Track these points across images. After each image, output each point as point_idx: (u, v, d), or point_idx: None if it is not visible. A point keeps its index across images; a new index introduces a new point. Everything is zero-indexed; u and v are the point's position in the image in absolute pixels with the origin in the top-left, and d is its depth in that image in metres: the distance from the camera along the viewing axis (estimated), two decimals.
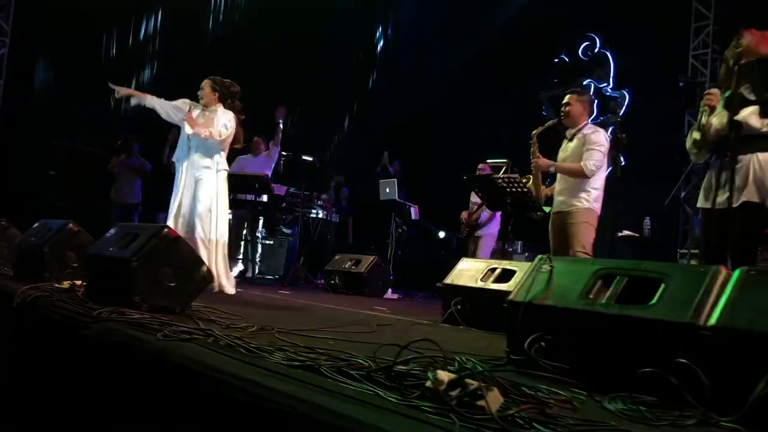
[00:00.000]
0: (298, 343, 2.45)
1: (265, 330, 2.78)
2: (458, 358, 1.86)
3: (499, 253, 6.67)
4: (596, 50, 10.92)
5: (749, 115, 3.25)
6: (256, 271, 7.64)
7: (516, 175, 4.59)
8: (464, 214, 7.36)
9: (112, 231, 3.49)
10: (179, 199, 5.16)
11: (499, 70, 10.95)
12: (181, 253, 3.20)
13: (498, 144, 9.24)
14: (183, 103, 5.34)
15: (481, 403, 1.57)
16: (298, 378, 1.87)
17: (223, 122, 5.18)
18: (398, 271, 7.60)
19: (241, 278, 7.49)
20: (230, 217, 5.31)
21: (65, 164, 8.91)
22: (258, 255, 7.85)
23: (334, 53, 10.72)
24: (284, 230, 7.93)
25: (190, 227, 5.04)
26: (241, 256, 7.67)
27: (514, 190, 4.47)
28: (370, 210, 8.61)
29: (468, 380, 1.64)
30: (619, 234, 6.59)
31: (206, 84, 5.35)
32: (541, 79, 11.20)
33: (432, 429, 1.44)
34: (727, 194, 3.27)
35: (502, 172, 4.86)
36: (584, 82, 10.90)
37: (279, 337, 2.65)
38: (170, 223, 5.03)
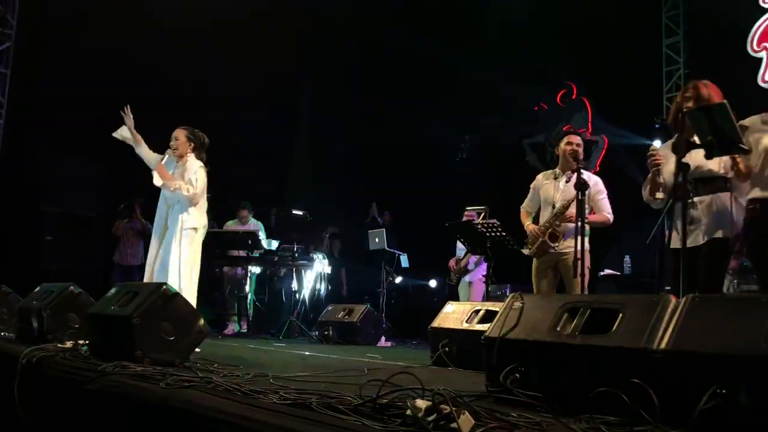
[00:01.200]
0: (290, 386, 2.62)
1: (261, 376, 2.95)
2: (436, 389, 2.04)
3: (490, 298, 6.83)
4: (573, 97, 11.34)
5: (709, 160, 3.51)
6: (249, 327, 7.77)
7: (494, 220, 4.81)
8: (452, 262, 7.56)
9: (113, 290, 3.68)
10: (153, 252, 5.07)
11: (483, 116, 11.28)
12: (179, 308, 3.39)
13: (482, 190, 9.49)
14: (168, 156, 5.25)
15: (454, 425, 1.75)
16: (291, 414, 2.05)
17: (193, 174, 5.02)
18: (391, 320, 7.75)
19: (236, 335, 7.63)
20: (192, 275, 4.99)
21: (60, 229, 9.07)
22: (252, 310, 7.99)
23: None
24: (278, 284, 8.10)
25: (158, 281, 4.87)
26: (236, 313, 7.83)
27: (492, 234, 4.70)
28: (362, 261, 8.80)
29: (443, 406, 1.83)
30: (601, 273, 6.80)
31: (181, 133, 5.18)
32: (522, 126, 11.55)
33: None
34: (694, 233, 3.51)
35: (480, 217, 5.07)
36: (563, 129, 11.28)
37: (273, 381, 2.82)
38: (146, 275, 5.02)
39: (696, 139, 3.20)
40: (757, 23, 9.28)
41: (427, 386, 2.10)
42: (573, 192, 4.63)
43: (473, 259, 7.31)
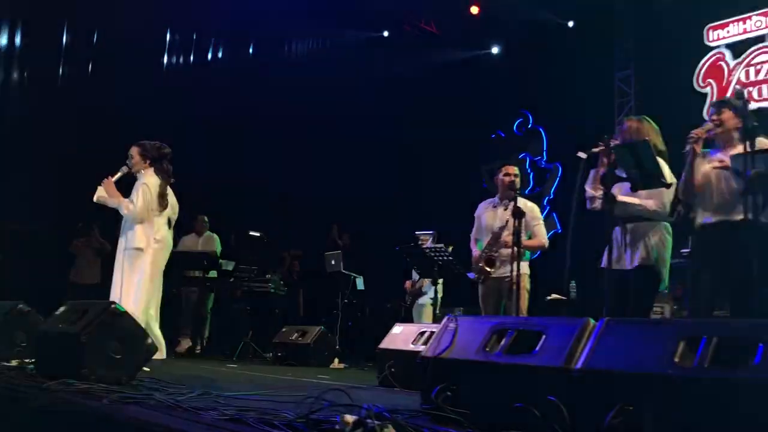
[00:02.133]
0: (232, 404, 2.70)
1: (205, 394, 3.02)
2: (365, 405, 2.16)
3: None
4: (529, 126, 11.67)
5: (645, 198, 3.73)
6: (204, 347, 7.76)
7: (441, 245, 4.97)
8: (408, 284, 7.70)
9: (62, 309, 3.71)
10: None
11: (439, 146, 11.52)
12: (127, 327, 3.44)
13: (437, 214, 9.68)
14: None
15: None
16: (228, 429, 2.14)
17: (135, 191, 4.96)
18: (347, 341, 7.82)
19: (190, 354, 7.61)
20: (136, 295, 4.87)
21: (12, 246, 8.89)
22: (207, 330, 7.99)
23: None
24: (234, 305, 8.11)
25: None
26: (189, 332, 7.82)
27: (440, 258, 4.85)
28: (320, 283, 8.86)
29: (369, 420, 1.95)
30: (548, 298, 7.01)
31: (135, 151, 5.11)
32: (479, 153, 11.79)
33: None
34: (624, 257, 3.71)
35: (429, 242, 5.23)
36: (520, 156, 11.60)
37: (217, 399, 2.89)
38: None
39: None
40: (702, 60, 9.75)
41: (360, 403, 2.21)
42: (511, 219, 4.86)
43: (427, 280, 7.45)
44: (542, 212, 10.82)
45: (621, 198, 3.65)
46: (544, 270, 6.23)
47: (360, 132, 11.40)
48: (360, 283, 8.11)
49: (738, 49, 9.48)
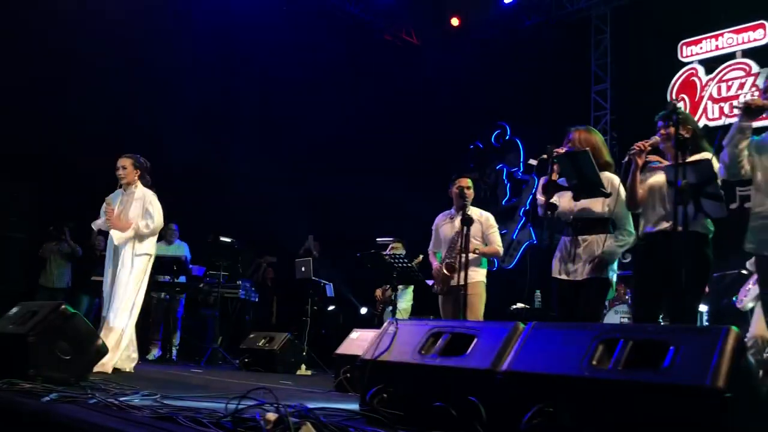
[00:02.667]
0: (173, 404, 2.72)
1: (150, 395, 3.04)
2: (292, 405, 2.19)
3: None
4: (507, 137, 11.77)
5: (593, 201, 3.79)
6: (174, 353, 7.74)
7: (402, 252, 5.02)
8: (378, 291, 7.72)
9: (14, 310, 3.72)
10: (107, 279, 5.14)
11: (419, 156, 11.59)
12: (77, 328, 3.45)
13: (414, 223, 9.71)
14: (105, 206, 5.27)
15: None
16: (156, 426, 2.16)
17: (146, 208, 5.09)
18: (317, 348, 7.83)
19: (161, 360, 7.59)
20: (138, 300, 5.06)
21: None
22: (177, 337, 7.97)
23: None
24: (204, 311, 8.11)
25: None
26: (158, 338, 7.80)
27: (399, 265, 4.90)
28: (293, 290, 8.86)
29: (290, 419, 1.98)
30: (513, 307, 7.07)
31: (128, 162, 5.20)
32: (457, 164, 11.86)
33: None
34: (575, 268, 3.77)
35: (388, 248, 5.27)
36: (497, 167, 11.70)
37: (160, 401, 2.91)
38: (104, 302, 5.10)
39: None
40: (676, 76, 9.90)
41: (289, 403, 2.24)
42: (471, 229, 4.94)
43: (399, 288, 7.49)
44: (518, 223, 11.05)
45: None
46: (512, 280, 6.32)
47: (340, 138, 11.48)
48: (330, 290, 8.14)
49: (710, 64, 9.64)
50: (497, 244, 5.09)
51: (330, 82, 11.69)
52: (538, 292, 7.26)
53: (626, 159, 3.49)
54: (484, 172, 11.79)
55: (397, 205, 11.10)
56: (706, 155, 3.22)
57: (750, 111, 3.18)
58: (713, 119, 9.46)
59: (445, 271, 4.91)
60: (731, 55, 9.46)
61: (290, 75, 11.20)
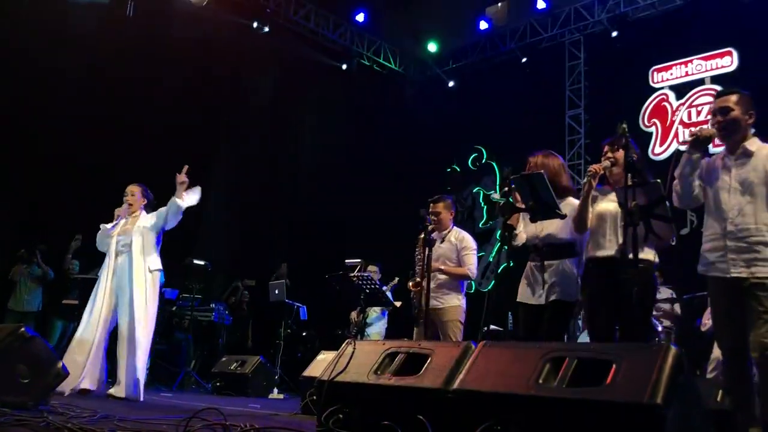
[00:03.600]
0: (124, 426, 2.70)
1: (106, 419, 3.01)
2: (240, 425, 2.19)
3: None
4: (483, 161, 11.88)
5: (558, 227, 3.83)
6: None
7: (368, 273, 5.03)
8: (354, 314, 7.70)
9: None
10: (100, 303, 5.11)
11: (398, 179, 11.66)
12: (36, 351, 3.41)
13: (392, 246, 9.73)
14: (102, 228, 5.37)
15: None
16: None
17: (150, 223, 5.24)
18: (293, 372, 7.76)
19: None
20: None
21: None
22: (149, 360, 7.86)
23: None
24: (177, 335, 8.03)
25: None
26: None
27: (366, 287, 4.90)
28: (268, 313, 8.81)
29: None
30: (485, 329, 7.05)
31: (137, 190, 5.42)
32: (435, 186, 11.92)
33: None
34: (540, 292, 3.80)
35: (356, 270, 5.28)
36: (474, 190, 11.80)
37: (117, 424, 2.88)
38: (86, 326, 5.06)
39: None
40: (648, 101, 10.09)
41: (237, 423, 2.24)
42: (444, 251, 4.95)
43: (374, 312, 7.48)
44: (495, 245, 11.11)
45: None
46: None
47: (319, 162, 11.54)
48: (303, 312, 8.11)
49: (681, 90, 9.83)
50: (469, 266, 5.06)
51: (308, 107, 11.78)
52: (510, 314, 7.29)
53: (583, 180, 3.55)
54: (461, 195, 11.87)
55: (375, 229, 11.14)
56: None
57: (699, 142, 3.27)
58: (684, 143, 9.53)
59: (409, 285, 4.96)
60: (701, 81, 9.67)
61: (266, 100, 11.28)
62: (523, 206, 3.57)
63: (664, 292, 7.52)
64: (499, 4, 11.92)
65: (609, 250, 3.53)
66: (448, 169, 12.34)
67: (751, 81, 8.96)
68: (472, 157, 12.06)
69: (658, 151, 9.82)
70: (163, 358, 8.02)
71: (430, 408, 2.31)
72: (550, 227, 3.83)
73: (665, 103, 9.99)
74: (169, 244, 8.11)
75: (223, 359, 7.07)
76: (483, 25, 11.55)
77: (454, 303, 5.06)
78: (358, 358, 2.75)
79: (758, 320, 3.05)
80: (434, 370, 2.43)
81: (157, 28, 9.40)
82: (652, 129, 10.00)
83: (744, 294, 3.14)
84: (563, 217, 3.51)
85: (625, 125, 3.18)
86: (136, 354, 4.83)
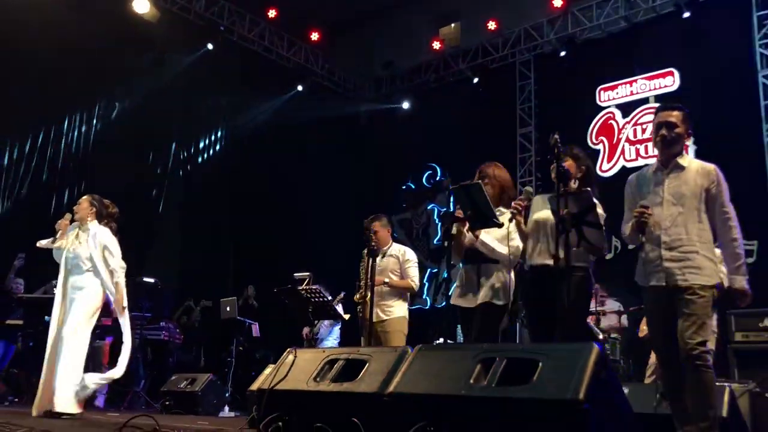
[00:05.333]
0: None
1: None
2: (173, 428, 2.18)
3: None
4: (438, 178, 12.03)
5: (494, 232, 3.93)
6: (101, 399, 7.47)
7: (317, 286, 5.06)
8: (305, 330, 7.67)
9: None
10: (56, 315, 5.08)
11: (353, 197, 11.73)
12: None
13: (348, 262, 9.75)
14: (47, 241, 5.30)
15: None
16: None
17: (105, 244, 5.13)
18: (245, 390, 7.66)
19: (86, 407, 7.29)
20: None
21: None
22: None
23: None
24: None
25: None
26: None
27: (314, 299, 4.93)
28: (219, 331, 8.72)
29: None
30: (435, 342, 7.14)
31: (84, 200, 5.31)
32: (391, 203, 12.02)
33: None
34: (473, 295, 3.88)
35: (305, 283, 5.29)
36: (428, 207, 11.93)
37: None
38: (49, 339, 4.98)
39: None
40: (595, 119, 10.37)
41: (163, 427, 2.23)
42: (387, 264, 5.18)
43: (323, 327, 7.47)
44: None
45: (482, 238, 3.84)
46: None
47: (273, 180, 11.53)
48: (255, 329, 8.05)
49: (626, 109, 10.14)
50: (411, 278, 5.21)
51: (263, 126, 11.79)
52: (459, 327, 7.35)
53: (510, 218, 3.64)
54: (416, 213, 11.99)
55: (330, 245, 11.15)
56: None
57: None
58: (630, 160, 9.90)
59: (355, 297, 5.04)
60: (645, 100, 9.99)
61: (219, 118, 11.27)
62: (462, 215, 3.64)
63: (612, 305, 7.73)
64: (452, 25, 12.21)
65: (545, 256, 3.63)
66: (404, 187, 12.45)
67: (692, 99, 9.34)
68: (426, 174, 12.20)
69: (606, 167, 10.08)
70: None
71: (367, 412, 2.34)
72: (492, 231, 3.91)
73: (612, 121, 10.29)
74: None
75: (173, 378, 6.96)
76: (436, 45, 11.78)
77: (398, 314, 5.16)
78: (299, 366, 2.76)
79: (685, 322, 3.20)
80: (371, 375, 2.46)
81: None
82: (600, 147, 10.27)
83: (677, 301, 3.27)
84: (500, 225, 3.61)
85: (557, 136, 3.29)
86: (66, 368, 4.78)
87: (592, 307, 7.42)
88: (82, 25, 8.63)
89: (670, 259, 3.30)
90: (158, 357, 7.93)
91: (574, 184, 3.59)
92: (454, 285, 4.05)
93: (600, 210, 3.47)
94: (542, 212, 3.74)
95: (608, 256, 9.01)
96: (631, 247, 3.57)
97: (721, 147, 8.45)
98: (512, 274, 3.88)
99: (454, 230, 3.68)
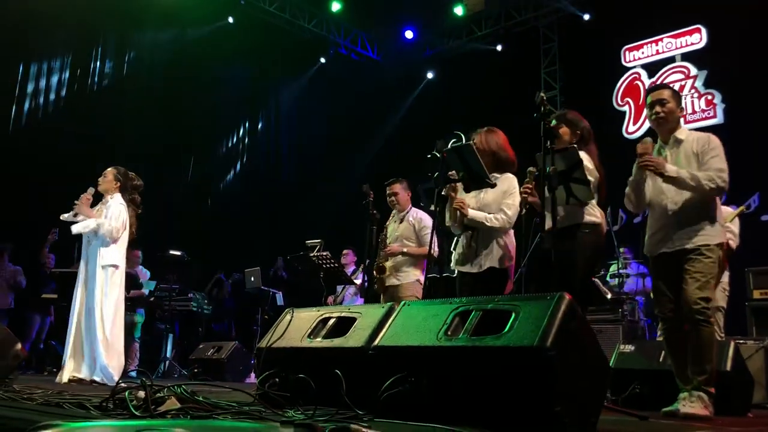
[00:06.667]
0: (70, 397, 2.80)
1: (59, 395, 3.11)
2: (169, 386, 2.30)
3: None
4: None
5: (493, 198, 3.94)
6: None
7: (327, 253, 5.15)
8: (330, 299, 7.81)
9: None
10: (78, 295, 5.08)
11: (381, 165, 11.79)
12: None
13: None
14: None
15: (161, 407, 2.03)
16: (42, 411, 2.27)
17: (113, 212, 5.09)
18: None
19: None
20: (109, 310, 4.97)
21: None
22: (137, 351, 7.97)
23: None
24: (158, 325, 8.13)
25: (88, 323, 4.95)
26: None
27: (326, 266, 5.03)
28: (247, 301, 8.92)
29: (159, 395, 2.10)
30: None
31: (110, 172, 5.28)
32: (418, 172, 12.00)
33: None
34: (475, 260, 3.92)
35: (316, 250, 5.38)
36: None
37: (65, 398, 2.99)
38: (73, 319, 5.02)
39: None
40: (620, 80, 10.19)
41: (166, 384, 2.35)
42: (403, 231, 5.06)
43: (349, 293, 7.59)
44: None
45: (471, 214, 3.87)
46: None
47: (301, 151, 11.67)
48: (280, 298, 8.22)
49: (652, 69, 9.92)
50: (427, 245, 5.17)
51: (290, 96, 11.87)
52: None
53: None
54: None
55: (360, 216, 11.23)
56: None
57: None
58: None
59: (375, 273, 5.03)
60: (671, 59, 9.77)
61: (243, 90, 11.37)
62: (457, 177, 3.67)
63: (636, 268, 7.68)
64: None
65: (550, 219, 3.65)
66: (429, 155, 12.41)
67: (720, 57, 9.10)
68: (452, 142, 12.12)
69: (632, 129, 9.93)
70: (147, 349, 8.13)
71: (354, 366, 2.42)
72: (488, 198, 3.94)
73: (637, 82, 10.09)
74: (146, 236, 8.22)
75: (201, 346, 7.19)
76: (459, 11, 11.67)
77: (411, 280, 5.17)
78: (295, 325, 2.86)
79: (689, 279, 3.27)
80: (360, 331, 2.54)
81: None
82: (626, 108, 10.10)
83: (683, 262, 3.33)
84: (493, 185, 3.64)
85: (542, 94, 3.30)
86: (94, 341, 4.86)
87: (615, 270, 7.41)
88: None
89: (676, 226, 3.44)
90: (187, 327, 8.17)
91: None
92: (454, 252, 4.07)
93: (590, 165, 3.50)
94: None
95: (636, 220, 8.95)
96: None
97: (751, 108, 8.25)
98: (512, 235, 3.90)
99: (444, 192, 3.72)
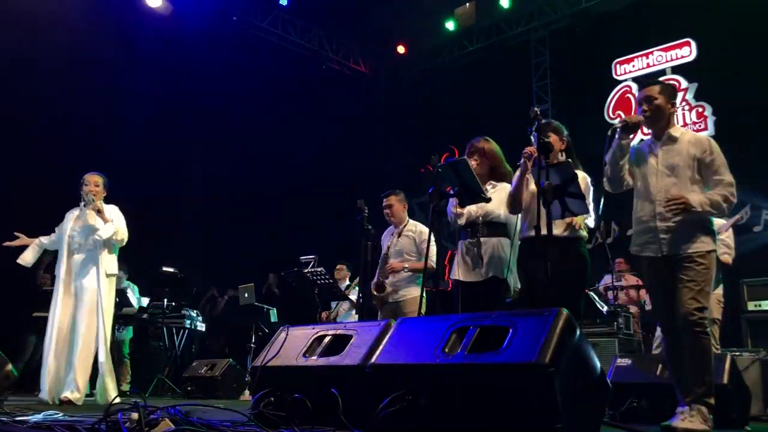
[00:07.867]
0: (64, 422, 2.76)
1: (51, 416, 3.07)
2: (160, 406, 2.27)
3: None
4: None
5: (497, 204, 3.95)
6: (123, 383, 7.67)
7: (321, 269, 5.11)
8: (324, 315, 7.76)
9: None
10: (59, 310, 4.92)
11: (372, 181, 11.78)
12: None
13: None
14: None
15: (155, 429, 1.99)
16: None
17: (116, 216, 5.00)
18: None
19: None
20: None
21: None
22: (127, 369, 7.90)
23: None
24: (151, 343, 8.06)
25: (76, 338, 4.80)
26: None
27: (320, 281, 4.99)
28: (241, 317, 8.84)
29: (152, 417, 2.06)
30: None
31: (100, 180, 5.12)
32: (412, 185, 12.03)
33: None
34: (476, 269, 3.91)
35: (310, 266, 5.34)
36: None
37: (60, 418, 2.95)
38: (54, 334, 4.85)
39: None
40: (612, 93, 10.24)
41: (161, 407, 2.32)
42: (403, 245, 5.00)
43: (343, 309, 7.54)
44: None
45: (468, 209, 3.89)
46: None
47: (293, 167, 11.62)
48: (273, 315, 8.17)
49: (643, 82, 9.96)
50: (429, 257, 5.12)
51: (281, 113, 11.84)
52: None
53: (520, 161, 3.66)
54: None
55: (357, 230, 11.20)
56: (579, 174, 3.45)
57: (628, 128, 3.44)
58: (648, 134, 9.70)
59: (373, 291, 4.95)
60: (662, 72, 9.82)
61: (238, 108, 11.35)
62: (451, 192, 3.68)
63: (630, 279, 7.67)
64: (467, 5, 12.10)
65: (532, 228, 3.65)
66: (422, 169, 12.45)
67: (710, 70, 9.17)
68: (446, 156, 12.17)
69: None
70: (140, 366, 8.04)
71: (350, 384, 2.40)
72: (490, 205, 3.94)
73: (629, 95, 10.13)
74: (139, 253, 8.16)
75: (194, 364, 7.12)
76: (451, 26, 11.74)
77: (414, 295, 5.08)
78: (290, 343, 2.83)
79: (683, 289, 3.24)
80: (356, 349, 2.51)
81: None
82: (617, 121, 10.12)
83: (677, 269, 3.29)
84: (488, 200, 3.64)
85: (536, 109, 3.32)
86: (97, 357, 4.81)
87: (609, 282, 7.40)
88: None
89: (665, 230, 3.35)
90: (181, 345, 8.08)
91: (561, 156, 3.62)
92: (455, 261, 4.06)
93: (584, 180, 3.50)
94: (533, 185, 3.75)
95: (629, 233, 8.96)
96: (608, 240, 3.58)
97: (741, 120, 8.29)
98: (509, 248, 3.90)
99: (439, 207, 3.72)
